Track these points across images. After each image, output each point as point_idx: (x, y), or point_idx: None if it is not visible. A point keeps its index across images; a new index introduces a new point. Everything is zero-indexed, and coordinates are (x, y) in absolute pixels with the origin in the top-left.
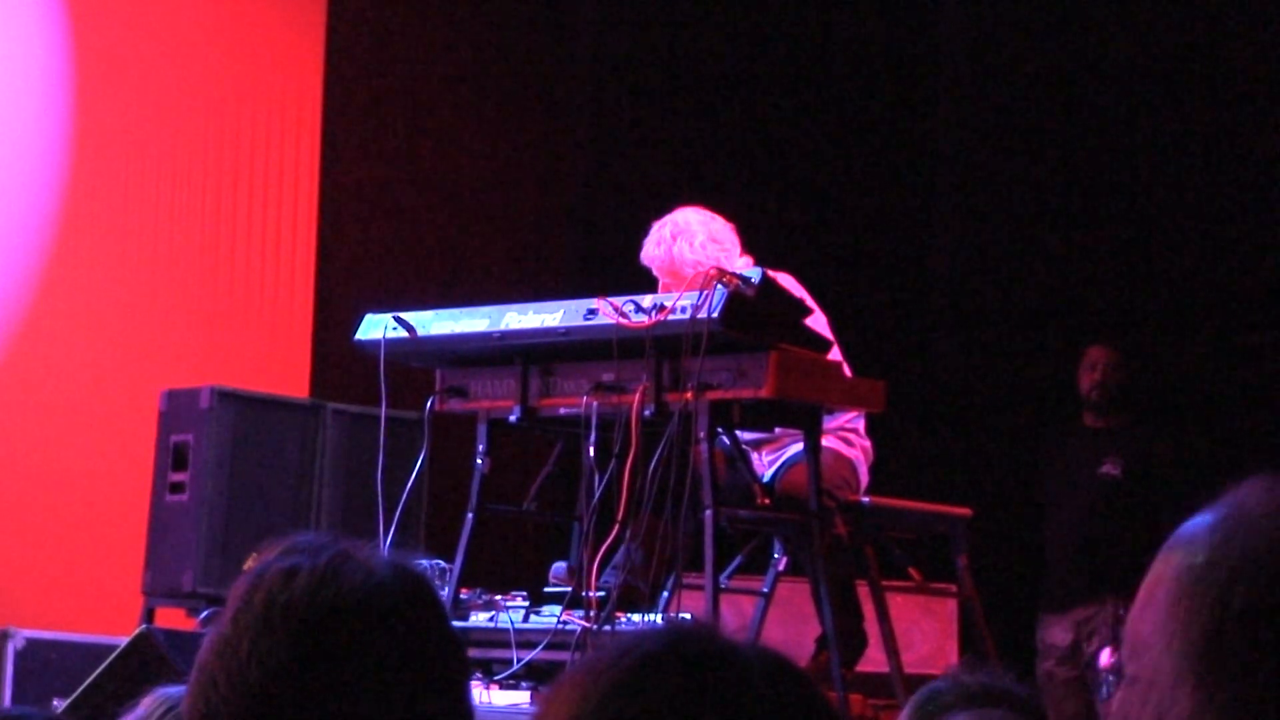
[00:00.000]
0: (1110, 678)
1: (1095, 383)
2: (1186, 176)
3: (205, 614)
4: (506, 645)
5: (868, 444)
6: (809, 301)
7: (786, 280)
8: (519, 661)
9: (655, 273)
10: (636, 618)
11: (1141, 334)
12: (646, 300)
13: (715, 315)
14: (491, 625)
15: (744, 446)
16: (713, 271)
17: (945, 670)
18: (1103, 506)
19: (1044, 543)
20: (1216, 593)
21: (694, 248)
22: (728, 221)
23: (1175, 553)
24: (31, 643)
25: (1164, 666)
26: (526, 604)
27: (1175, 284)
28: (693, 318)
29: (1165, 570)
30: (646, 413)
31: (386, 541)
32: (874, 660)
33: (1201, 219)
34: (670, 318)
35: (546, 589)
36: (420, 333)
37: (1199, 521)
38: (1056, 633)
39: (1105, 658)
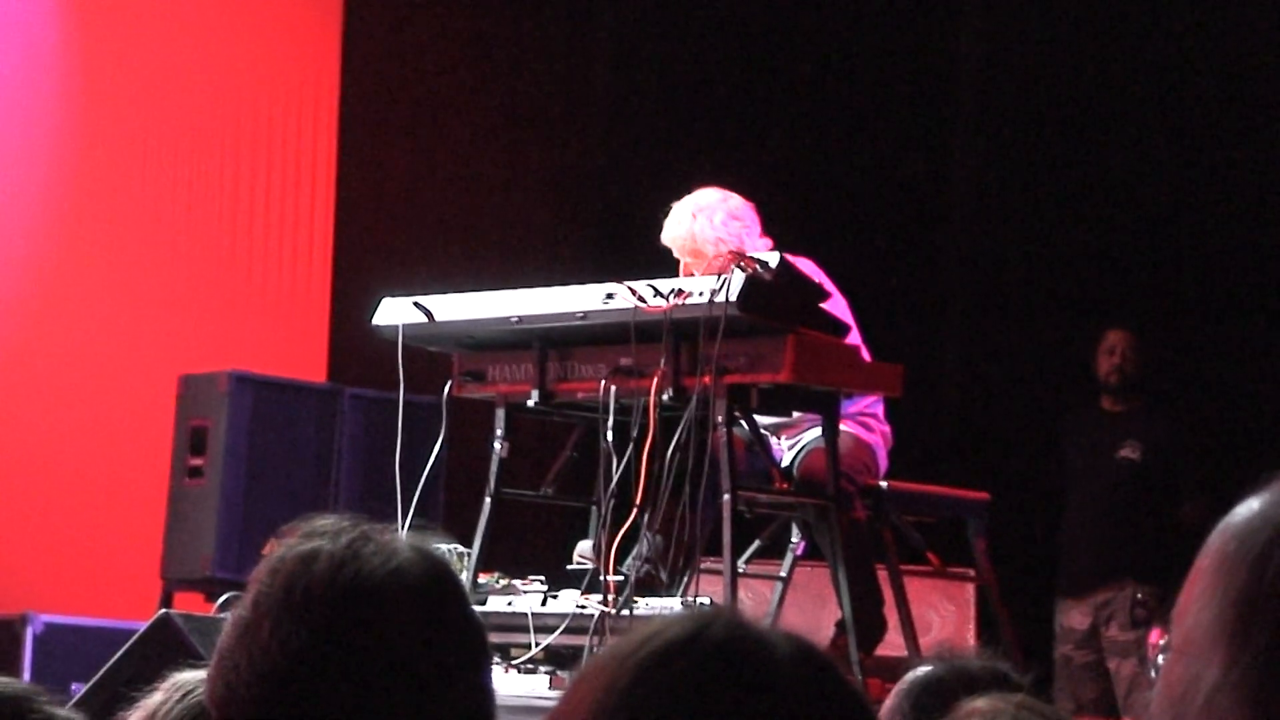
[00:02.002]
0: (1160, 657)
1: (1114, 366)
2: (1206, 159)
3: (224, 599)
4: (525, 630)
5: (887, 429)
6: (829, 286)
7: (807, 265)
8: (537, 646)
9: (676, 252)
10: (654, 602)
11: (1159, 317)
12: (664, 284)
13: (733, 299)
14: (510, 610)
15: (763, 431)
16: (731, 255)
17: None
18: (1121, 490)
19: (1062, 527)
20: (1254, 557)
21: (714, 224)
22: (747, 200)
23: (1225, 526)
24: (50, 627)
25: (1200, 629)
26: (545, 588)
27: (1193, 267)
28: (710, 302)
29: (1213, 542)
30: (664, 397)
31: (405, 525)
32: (892, 644)
33: (1221, 201)
34: (688, 302)
35: (570, 567)
36: (438, 317)
37: (1251, 499)
38: (1075, 617)
39: (1154, 636)
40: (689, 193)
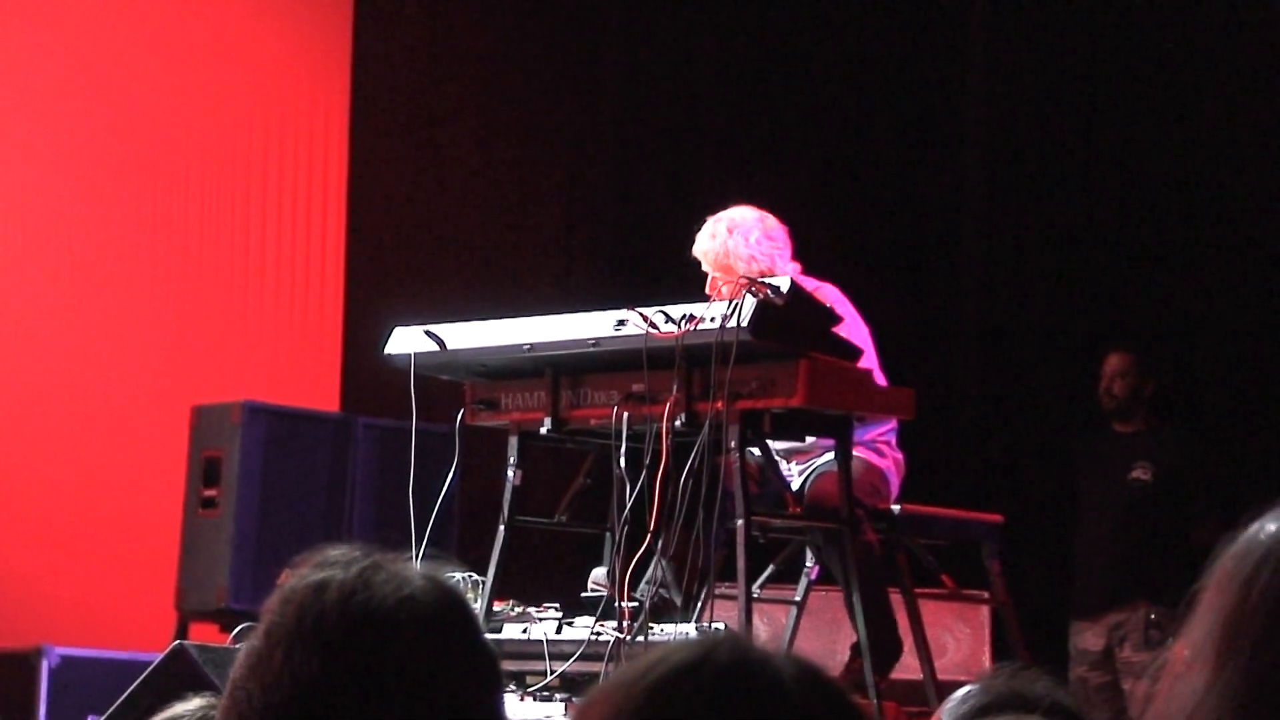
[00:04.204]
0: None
1: (1103, 389)
2: (1220, 181)
3: (239, 629)
4: (540, 657)
5: (900, 456)
6: (851, 311)
7: (832, 292)
8: (552, 673)
9: (706, 266)
10: (669, 629)
11: (1171, 339)
12: (675, 310)
13: (744, 324)
14: (524, 637)
15: (776, 456)
16: (742, 281)
17: (980, 676)
18: (1133, 511)
19: (1075, 549)
20: (1245, 575)
21: (749, 243)
22: (780, 223)
23: (1231, 546)
24: (65, 660)
25: (1199, 640)
26: (559, 616)
27: (1205, 289)
28: (722, 327)
29: (1219, 561)
30: (677, 423)
31: (418, 554)
32: (907, 667)
33: (1234, 224)
34: (699, 327)
35: (585, 593)
36: (450, 345)
37: (1259, 520)
38: (1089, 638)
39: (1181, 647)
40: (701, 219)
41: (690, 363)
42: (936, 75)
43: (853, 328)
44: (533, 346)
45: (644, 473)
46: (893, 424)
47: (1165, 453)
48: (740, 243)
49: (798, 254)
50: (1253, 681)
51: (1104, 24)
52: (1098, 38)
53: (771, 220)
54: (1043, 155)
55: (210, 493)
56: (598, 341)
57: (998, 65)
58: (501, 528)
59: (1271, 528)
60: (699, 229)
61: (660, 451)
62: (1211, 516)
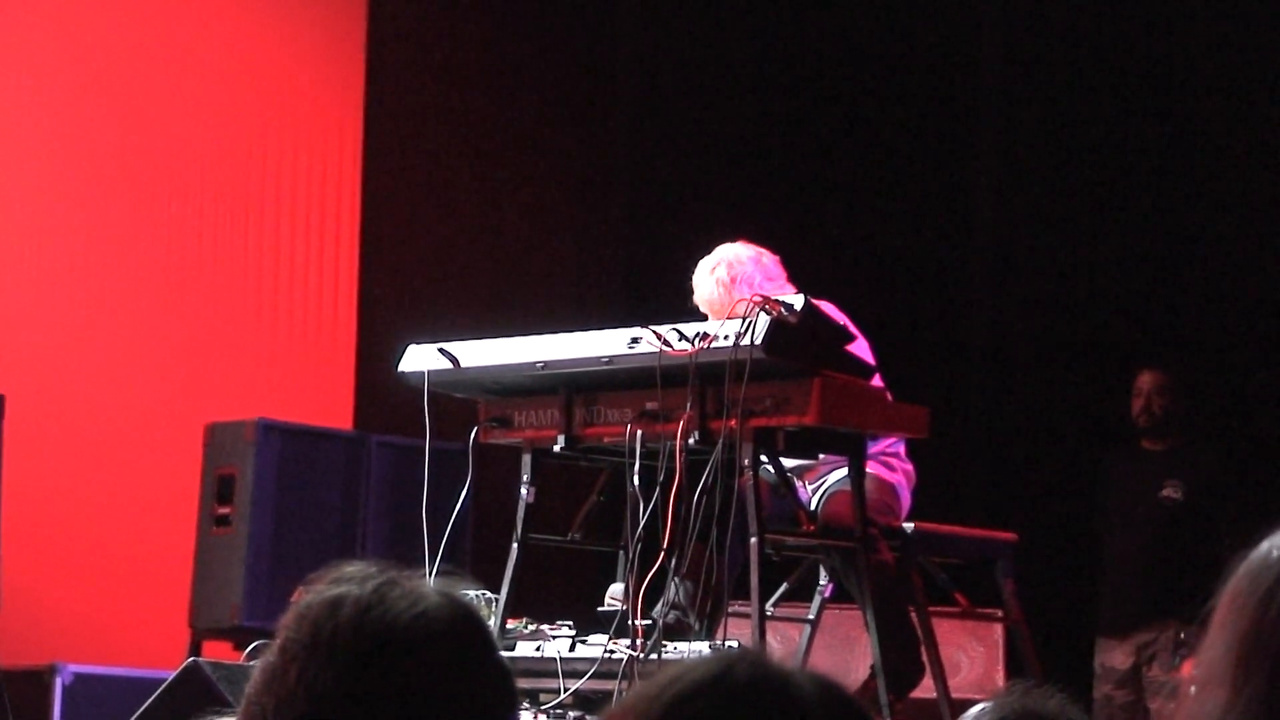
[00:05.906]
0: (1191, 689)
1: (1141, 408)
2: (1246, 194)
3: (253, 646)
4: (553, 675)
5: (909, 467)
6: (851, 328)
7: (829, 309)
8: (566, 691)
9: (709, 314)
10: (683, 646)
11: (1200, 356)
12: (689, 328)
13: (758, 342)
14: (538, 655)
15: (787, 474)
16: (756, 299)
17: (994, 693)
18: (1164, 530)
19: (1104, 567)
20: (1261, 594)
21: (754, 287)
22: (773, 254)
23: (1244, 563)
24: (79, 677)
25: (1213, 660)
26: (573, 633)
27: (1234, 305)
28: (735, 345)
29: (1232, 578)
30: (691, 441)
31: (432, 572)
32: (921, 686)
33: (1263, 238)
34: (713, 345)
35: (602, 609)
36: (463, 363)
37: (1274, 535)
38: (1116, 656)
39: (1186, 668)
40: (713, 238)
41: (704, 380)
42: (948, 89)
43: (855, 344)
44: (546, 364)
45: (658, 490)
46: (900, 435)
47: (1197, 471)
48: (744, 293)
49: (814, 266)
50: (1273, 702)
51: (1123, 32)
52: (1116, 47)
53: (767, 258)
54: (1056, 167)
55: (224, 510)
56: (611, 359)
57: (1011, 76)
58: (515, 545)
59: None
60: (694, 267)
61: (674, 469)
62: (1243, 535)
